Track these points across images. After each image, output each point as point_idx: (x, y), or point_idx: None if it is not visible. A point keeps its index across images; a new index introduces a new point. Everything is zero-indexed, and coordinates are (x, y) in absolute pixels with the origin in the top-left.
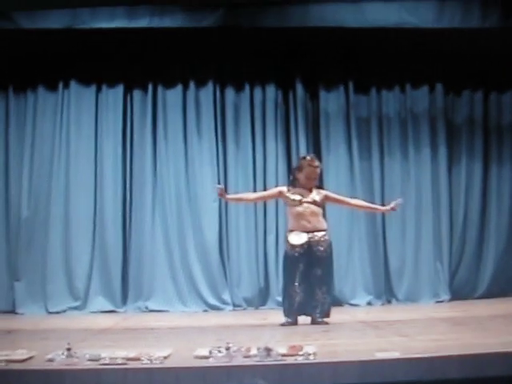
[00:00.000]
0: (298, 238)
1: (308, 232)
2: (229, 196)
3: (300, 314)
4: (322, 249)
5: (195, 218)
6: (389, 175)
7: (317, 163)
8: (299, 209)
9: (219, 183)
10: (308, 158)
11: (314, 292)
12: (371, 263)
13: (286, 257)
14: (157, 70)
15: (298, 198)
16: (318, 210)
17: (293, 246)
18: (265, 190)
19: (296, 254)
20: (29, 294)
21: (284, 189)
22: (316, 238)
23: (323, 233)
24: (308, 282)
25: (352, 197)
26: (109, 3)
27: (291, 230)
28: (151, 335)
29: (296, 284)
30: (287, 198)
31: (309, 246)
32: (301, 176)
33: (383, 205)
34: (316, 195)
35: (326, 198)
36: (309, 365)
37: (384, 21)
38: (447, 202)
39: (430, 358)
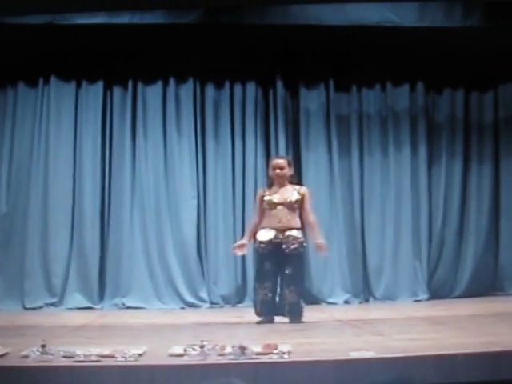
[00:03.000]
0: (265, 235)
1: (278, 230)
2: (247, 239)
3: (270, 313)
4: (292, 247)
5: (173, 215)
6: (368, 174)
7: (280, 157)
8: (273, 210)
9: (198, 180)
10: (274, 160)
11: (283, 291)
12: (349, 261)
13: (254, 254)
14: (137, 66)
15: (273, 199)
16: (293, 210)
17: (259, 243)
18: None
19: (262, 251)
20: (6, 290)
21: (261, 192)
22: (286, 236)
23: (295, 231)
24: (277, 282)
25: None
26: (90, 8)
27: (262, 227)
28: (127, 332)
29: (260, 282)
30: (264, 201)
31: (278, 244)
32: (270, 172)
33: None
34: (292, 196)
35: (302, 198)
36: (283, 363)
37: (366, 19)
38: (427, 200)
39: (406, 358)
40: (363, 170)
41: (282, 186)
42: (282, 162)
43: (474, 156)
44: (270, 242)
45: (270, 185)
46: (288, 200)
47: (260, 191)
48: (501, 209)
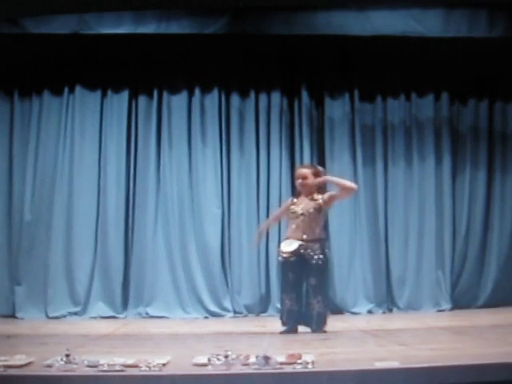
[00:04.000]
0: (288, 246)
1: (301, 241)
2: (263, 229)
3: (294, 323)
4: (315, 258)
5: (197, 224)
6: (392, 183)
7: (305, 166)
8: (296, 220)
9: (222, 189)
10: (298, 170)
11: (310, 302)
12: (373, 271)
13: (279, 265)
14: (162, 75)
15: (296, 210)
16: (315, 220)
17: (283, 253)
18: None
19: (286, 262)
20: (29, 299)
21: (289, 202)
22: (309, 246)
23: (318, 242)
24: (302, 292)
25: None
26: (115, 8)
27: (286, 238)
28: (151, 342)
29: (285, 293)
30: (289, 210)
31: (301, 255)
32: (295, 182)
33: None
34: (313, 205)
35: (330, 198)
36: (307, 373)
37: (390, 29)
38: (450, 210)
39: (429, 368)
40: (387, 180)
41: (307, 195)
42: (305, 171)
43: (498, 166)
44: (292, 252)
45: (297, 195)
46: (310, 210)
47: (289, 200)
48: None
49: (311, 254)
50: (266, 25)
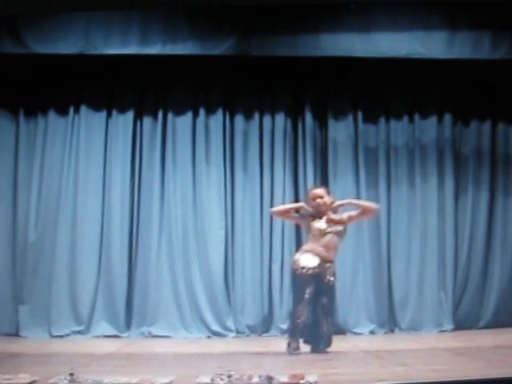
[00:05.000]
0: (310, 261)
1: (321, 259)
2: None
3: (303, 338)
4: (330, 278)
5: (201, 245)
6: (395, 205)
7: (318, 186)
8: (323, 238)
9: (226, 211)
10: (313, 191)
11: (320, 322)
12: (375, 292)
13: (296, 277)
14: (167, 96)
15: (322, 227)
16: (339, 240)
17: (304, 268)
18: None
19: (306, 276)
20: (33, 318)
21: (307, 211)
22: (326, 267)
23: (333, 264)
24: (314, 309)
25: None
26: (122, 7)
27: (306, 251)
28: (154, 361)
29: (303, 305)
30: (312, 226)
31: (319, 273)
32: (311, 203)
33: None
34: (340, 225)
35: (350, 219)
36: None
37: (394, 51)
38: (452, 232)
39: None
40: (390, 201)
41: (323, 215)
42: (320, 191)
43: (501, 188)
44: (313, 268)
45: (311, 215)
46: (339, 229)
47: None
48: None
49: (325, 273)
50: (270, 47)
